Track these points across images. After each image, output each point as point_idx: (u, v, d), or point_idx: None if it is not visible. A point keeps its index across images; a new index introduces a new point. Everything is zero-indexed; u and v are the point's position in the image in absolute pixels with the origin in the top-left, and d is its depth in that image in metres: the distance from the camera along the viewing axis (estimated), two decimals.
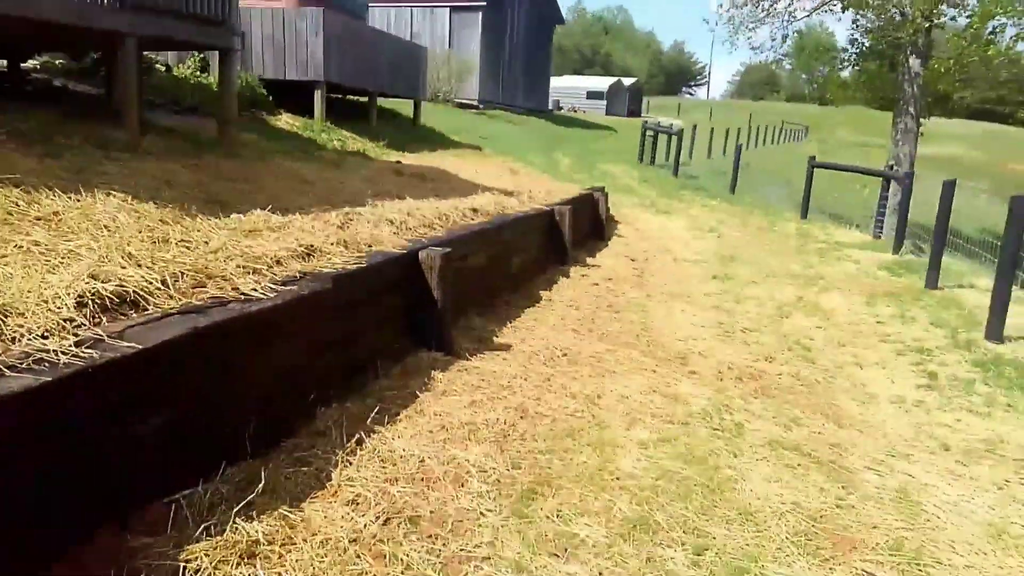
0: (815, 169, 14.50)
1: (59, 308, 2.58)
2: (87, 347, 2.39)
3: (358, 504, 2.78)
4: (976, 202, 13.22)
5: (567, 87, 54.15)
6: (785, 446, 3.74)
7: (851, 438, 4.01)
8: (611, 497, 3.05)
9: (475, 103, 27.13)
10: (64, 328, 2.50)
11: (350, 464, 3.05)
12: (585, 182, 14.13)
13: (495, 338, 5.11)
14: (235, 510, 2.56)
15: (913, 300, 7.41)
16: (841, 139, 48.92)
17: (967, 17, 15.40)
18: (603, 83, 56.74)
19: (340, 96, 14.44)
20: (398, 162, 9.88)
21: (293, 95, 11.56)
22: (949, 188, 8.21)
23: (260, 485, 2.72)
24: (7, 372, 2.16)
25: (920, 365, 5.43)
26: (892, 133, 16.94)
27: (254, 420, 3.07)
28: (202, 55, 11.20)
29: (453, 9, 27.87)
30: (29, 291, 2.63)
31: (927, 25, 15.37)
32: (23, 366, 2.22)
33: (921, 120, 16.82)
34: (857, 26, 17.94)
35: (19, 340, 2.38)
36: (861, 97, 18.19)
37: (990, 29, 14.69)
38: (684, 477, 3.28)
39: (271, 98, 11.14)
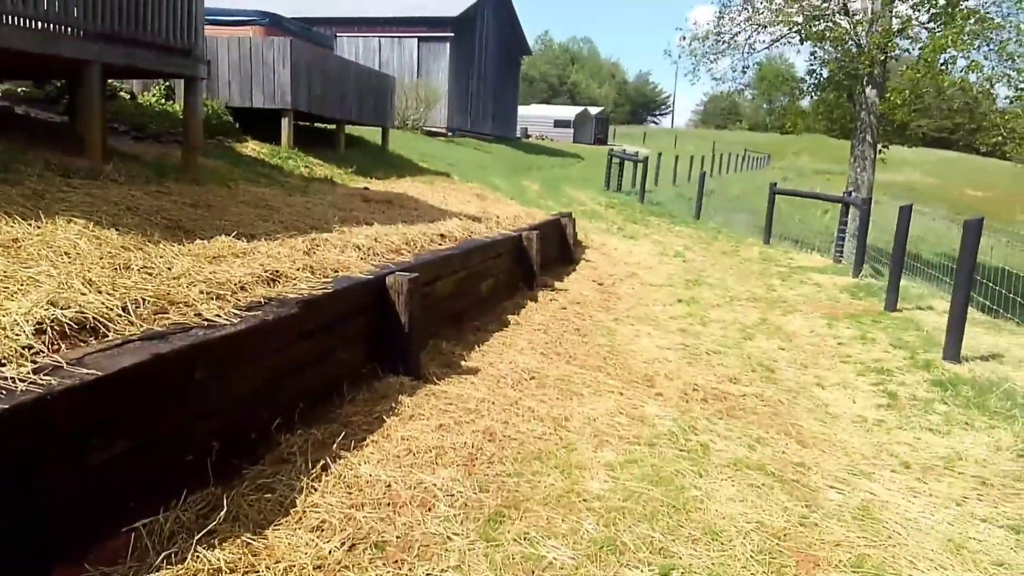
0: (776, 195, 14.82)
1: (17, 335, 2.55)
2: (45, 374, 2.36)
3: (323, 530, 2.75)
4: (933, 226, 13.60)
5: (535, 115, 54.85)
6: (749, 466, 3.79)
7: (814, 457, 4.07)
8: (578, 519, 3.06)
9: (444, 131, 27.30)
10: (22, 355, 2.46)
11: (315, 490, 3.02)
12: (553, 208, 14.26)
13: (463, 362, 5.11)
14: (196, 538, 2.52)
15: (873, 322, 7.58)
16: (802, 166, 50.07)
17: (919, 50, 15.97)
18: (570, 112, 57.57)
19: (308, 124, 14.44)
20: (366, 188, 9.89)
21: (260, 122, 11.54)
22: (906, 213, 8.44)
23: (222, 512, 2.69)
24: None
25: (880, 385, 5.54)
26: (851, 160, 17.42)
27: (216, 446, 3.04)
28: (167, 83, 11.15)
29: (421, 39, 28.15)
30: None
31: (882, 57, 15.90)
32: None
33: (880, 148, 17.33)
34: (815, 57, 18.50)
35: None
36: (820, 126, 18.66)
37: (942, 61, 15.24)
38: (650, 498, 3.30)
39: (238, 125, 11.11)
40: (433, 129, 26.15)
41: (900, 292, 8.29)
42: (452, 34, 28.04)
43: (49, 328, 2.66)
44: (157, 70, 7.36)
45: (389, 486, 3.14)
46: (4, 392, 2.22)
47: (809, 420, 4.72)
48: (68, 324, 2.72)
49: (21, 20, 5.80)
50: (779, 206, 15.21)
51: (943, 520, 3.39)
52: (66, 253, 3.52)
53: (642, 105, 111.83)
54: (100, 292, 3.04)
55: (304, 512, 2.84)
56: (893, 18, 15.91)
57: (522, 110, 45.85)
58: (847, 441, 4.41)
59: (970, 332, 6.40)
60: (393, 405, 4.04)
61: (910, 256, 9.46)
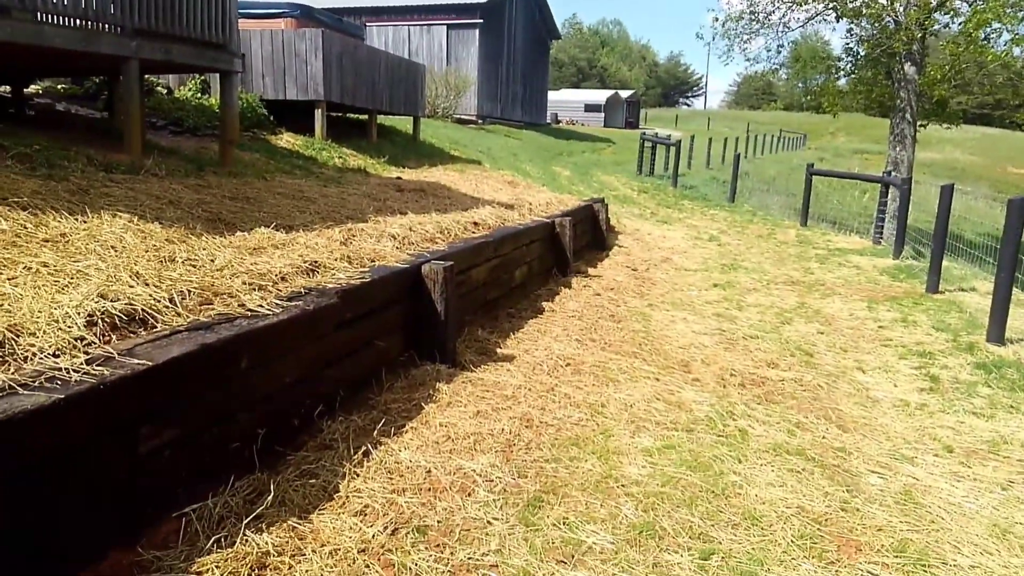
0: (813, 177, 14.57)
1: (69, 327, 2.63)
2: (98, 365, 2.43)
3: (366, 515, 2.80)
4: (975, 205, 13.27)
5: (565, 100, 54.48)
6: (789, 451, 3.76)
7: (855, 442, 4.03)
8: (617, 504, 3.08)
9: (474, 118, 27.31)
10: (75, 346, 2.54)
11: (357, 476, 3.08)
12: (584, 193, 14.21)
13: (498, 349, 5.14)
14: (244, 522, 2.59)
15: (914, 304, 7.44)
16: (839, 146, 49.10)
17: (959, 25, 15.51)
18: (600, 96, 57.06)
19: (340, 114, 14.56)
20: (399, 178, 9.95)
21: (294, 114, 11.66)
22: (947, 192, 8.25)
23: (269, 497, 2.76)
24: (20, 390, 2.20)
25: (922, 368, 5.45)
26: (889, 139, 17.02)
27: (262, 434, 3.11)
28: (203, 77, 11.32)
29: (450, 26, 28.12)
30: (39, 311, 2.68)
31: (920, 33, 15.48)
32: (35, 384, 2.26)
33: (919, 126, 16.91)
34: (852, 35, 18.08)
35: (31, 359, 2.43)
36: (858, 105, 18.24)
37: (984, 36, 14.79)
38: (689, 483, 3.31)
39: (272, 117, 11.24)
40: (463, 117, 26.18)
41: (942, 273, 8.12)
42: (481, 21, 27.96)
43: (100, 320, 2.74)
44: (193, 65, 7.47)
45: (429, 472, 3.19)
46: (59, 382, 2.30)
47: (849, 404, 4.67)
48: (118, 316, 2.80)
49: (61, 19, 5.94)
50: (816, 187, 14.96)
51: (988, 505, 3.35)
52: (113, 247, 3.62)
53: (674, 87, 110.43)
54: (147, 284, 3.13)
55: (347, 497, 2.91)
56: None
57: (552, 95, 45.62)
58: (888, 425, 4.35)
59: (1014, 313, 6.26)
60: (431, 392, 4.09)
61: (952, 236, 9.25)
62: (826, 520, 3.07)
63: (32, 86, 10.24)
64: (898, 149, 16.47)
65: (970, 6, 15.23)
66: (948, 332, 6.37)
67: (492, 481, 3.18)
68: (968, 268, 9.55)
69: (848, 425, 4.30)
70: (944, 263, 8.27)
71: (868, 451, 3.90)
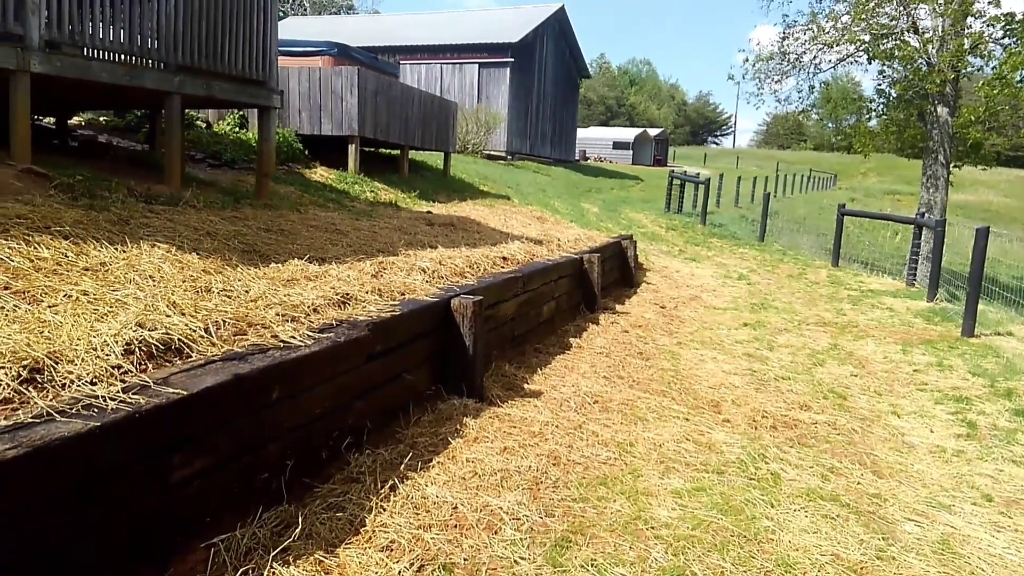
0: (845, 217, 14.45)
1: (107, 355, 2.68)
2: (134, 393, 2.47)
3: (392, 550, 2.78)
4: (1010, 248, 13.02)
5: (594, 138, 54.91)
6: (823, 496, 3.68)
7: (890, 488, 3.93)
8: (646, 547, 3.02)
9: (503, 154, 27.60)
10: (112, 375, 2.58)
11: (384, 510, 3.07)
12: (613, 230, 14.22)
13: (526, 385, 5.12)
14: (272, 555, 2.59)
15: (950, 348, 7.29)
16: (870, 187, 48.68)
17: (993, 68, 15.40)
18: (629, 133, 57.42)
19: (373, 149, 14.81)
20: (429, 212, 10.06)
21: (328, 149, 11.89)
22: (983, 235, 8.12)
23: (296, 530, 2.75)
24: (57, 417, 2.24)
25: (959, 414, 5.32)
26: (922, 181, 16.86)
27: (290, 465, 3.12)
28: (241, 112, 11.62)
29: (482, 65, 28.63)
30: (79, 339, 2.73)
31: (953, 75, 15.40)
32: (72, 411, 2.30)
33: (952, 167, 16.72)
34: (884, 76, 18.03)
35: (69, 386, 2.47)
36: (890, 146, 18.10)
37: (1020, 78, 14.65)
38: (720, 527, 3.24)
39: (307, 152, 11.47)
40: (493, 152, 26.48)
41: (977, 317, 7.96)
42: (512, 59, 28.45)
43: (137, 348, 2.79)
44: (234, 100, 7.68)
45: (456, 508, 3.17)
46: (96, 410, 2.34)
47: (884, 449, 4.56)
48: (155, 345, 2.84)
49: (108, 54, 6.15)
50: (847, 228, 14.82)
51: None
52: (151, 276, 3.69)
53: (702, 126, 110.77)
54: (184, 314, 3.18)
55: (374, 532, 2.89)
56: (965, 35, 15.39)
57: (581, 132, 46.04)
58: (925, 472, 4.24)
59: None
60: (458, 427, 4.08)
61: (987, 279, 9.09)
62: (861, 569, 2.99)
63: (75, 117, 10.60)
64: (931, 191, 16.29)
65: (1004, 49, 15.14)
66: (985, 377, 6.23)
67: (519, 519, 3.14)
68: (1004, 312, 9.36)
69: (883, 471, 4.20)
70: (979, 306, 8.11)
71: (904, 498, 3.80)
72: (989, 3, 15.34)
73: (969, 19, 15.48)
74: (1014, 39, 14.93)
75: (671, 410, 4.91)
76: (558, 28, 33.79)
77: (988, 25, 15.45)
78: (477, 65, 28.73)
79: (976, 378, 6.23)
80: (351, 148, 11.70)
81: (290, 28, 33.30)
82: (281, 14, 43.66)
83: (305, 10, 53.82)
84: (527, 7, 34.27)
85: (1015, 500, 3.90)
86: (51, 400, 2.35)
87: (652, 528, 3.18)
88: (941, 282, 10.42)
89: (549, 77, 33.27)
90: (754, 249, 16.31)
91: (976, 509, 3.74)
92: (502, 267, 6.42)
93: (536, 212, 13.51)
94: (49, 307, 3.00)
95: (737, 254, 15.35)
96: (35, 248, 3.66)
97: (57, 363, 2.56)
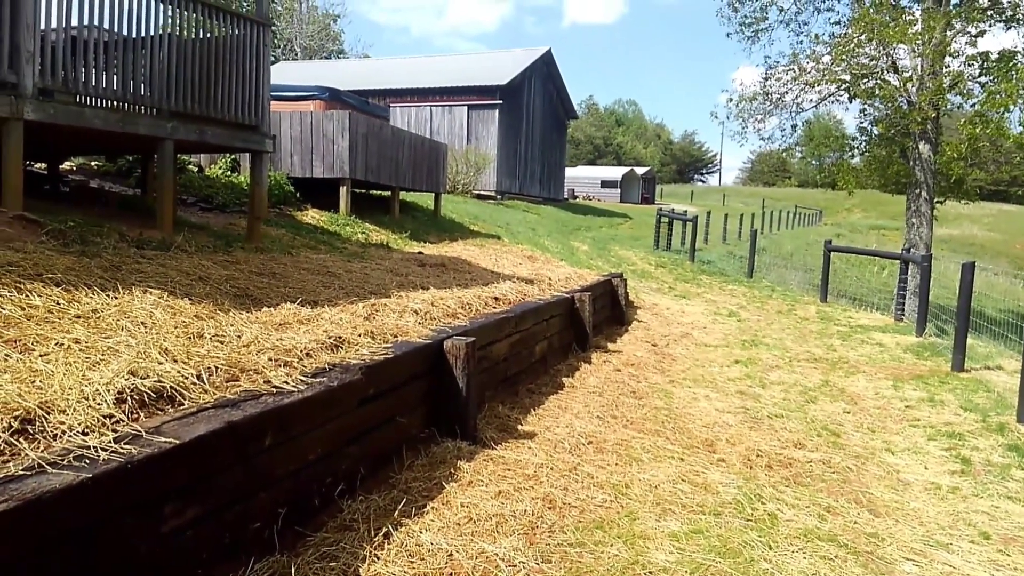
0: (832, 252, 14.60)
1: (99, 404, 2.65)
2: (126, 443, 2.44)
3: None
4: (996, 282, 13.16)
5: (582, 176, 55.52)
6: (820, 536, 3.65)
7: (887, 527, 3.91)
8: None
9: (493, 193, 27.84)
10: (104, 424, 2.56)
11: (378, 559, 3.02)
12: (602, 268, 14.29)
13: (520, 426, 5.10)
14: None
15: (940, 383, 7.32)
16: (855, 222, 49.27)
17: (972, 105, 15.76)
18: (617, 172, 58.09)
19: (364, 191, 14.91)
20: (420, 252, 10.10)
21: (319, 191, 11.97)
22: (969, 270, 8.22)
23: None
24: (48, 469, 2.21)
25: (953, 450, 5.32)
26: (907, 216, 17.10)
27: (282, 513, 3.08)
28: (233, 156, 11.70)
29: (471, 107, 29.04)
30: (70, 388, 2.71)
31: (934, 113, 15.73)
32: (64, 463, 2.27)
33: (935, 203, 16.98)
34: (865, 115, 18.41)
35: (60, 436, 2.44)
36: (873, 183, 18.40)
37: (1000, 115, 14.97)
38: (719, 571, 3.21)
39: (298, 194, 11.54)
40: (483, 192, 26.69)
41: (967, 351, 8.01)
42: (501, 101, 28.86)
43: (129, 397, 2.77)
44: (226, 145, 7.75)
45: (451, 555, 3.12)
46: (87, 461, 2.31)
47: (880, 487, 4.55)
48: (147, 393, 2.82)
49: (101, 101, 6.20)
50: (834, 263, 14.96)
51: None
52: (143, 323, 3.68)
53: (688, 164, 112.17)
54: (176, 361, 3.16)
55: None
56: (944, 75, 15.78)
57: (569, 171, 46.54)
58: (921, 510, 4.23)
59: None
60: (452, 471, 4.04)
61: (974, 313, 9.17)
62: None
63: (67, 162, 10.63)
64: (916, 226, 16.52)
65: (982, 87, 15.50)
66: (977, 412, 6.24)
67: (515, 566, 3.10)
68: (993, 346, 9.42)
69: (879, 509, 4.18)
70: (968, 340, 8.17)
71: (901, 537, 3.78)
72: (967, 43, 15.76)
73: (947, 58, 15.89)
74: (991, 77, 15.31)
75: (666, 450, 4.89)
76: (545, 71, 34.38)
77: (966, 64, 15.86)
78: (466, 107, 29.13)
79: (968, 413, 6.25)
80: (342, 190, 11.77)
81: (282, 72, 33.76)
82: (273, 59, 44.19)
83: (296, 55, 54.56)
84: (515, 51, 34.90)
85: (1013, 537, 3.89)
86: (42, 451, 2.32)
87: (650, 573, 3.15)
88: (929, 316, 10.50)
89: (537, 118, 33.74)
90: (743, 286, 16.41)
91: (974, 547, 3.73)
92: (494, 307, 6.43)
93: (526, 251, 13.58)
94: (41, 356, 2.98)
95: (726, 291, 15.44)
96: (27, 296, 3.65)
97: (49, 413, 2.53)
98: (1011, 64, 14.75)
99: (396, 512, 3.44)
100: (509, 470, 4.19)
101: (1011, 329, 9.56)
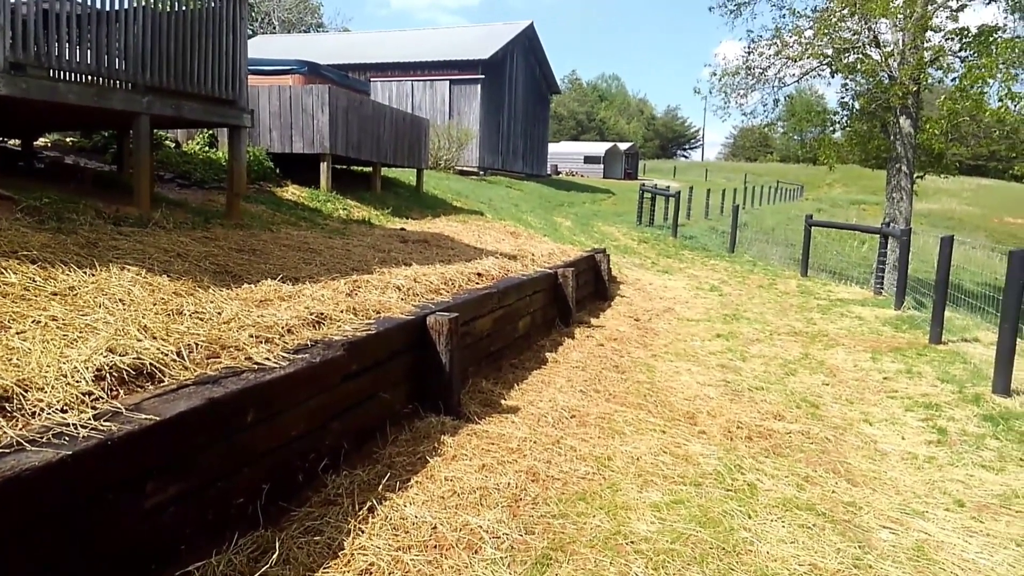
0: (812, 227, 14.69)
1: (78, 382, 2.63)
2: (105, 420, 2.43)
3: (371, 573, 2.76)
4: (974, 255, 13.34)
5: (565, 152, 55.29)
6: (799, 506, 3.72)
7: (864, 496, 3.98)
8: (626, 562, 3.03)
9: (476, 169, 27.68)
10: (83, 401, 2.54)
11: (362, 532, 3.04)
12: (586, 244, 14.30)
13: (503, 401, 5.12)
14: None
15: (918, 355, 7.42)
16: (836, 197, 49.57)
17: (953, 80, 15.83)
18: (600, 148, 57.91)
19: (345, 167, 14.76)
20: (402, 229, 10.04)
21: (299, 167, 11.83)
22: (948, 244, 8.31)
23: (273, 555, 2.72)
24: (28, 447, 2.20)
25: (929, 421, 5.42)
26: (887, 191, 17.22)
27: (266, 489, 3.08)
28: (211, 131, 11.52)
29: (453, 82, 28.75)
30: (48, 365, 2.68)
31: (915, 88, 15.79)
32: (43, 440, 2.25)
33: (916, 178, 17.11)
34: (847, 90, 18.43)
35: (39, 414, 2.43)
36: (855, 157, 18.48)
37: (979, 90, 15.04)
38: (699, 540, 3.26)
39: (278, 170, 11.40)
40: (465, 168, 26.54)
41: (944, 324, 8.12)
42: (483, 76, 28.60)
43: (108, 374, 2.75)
44: (203, 120, 7.62)
45: (435, 528, 3.15)
46: (67, 438, 2.29)
47: (857, 457, 4.63)
48: (126, 370, 2.80)
49: (75, 75, 6.07)
50: (815, 238, 15.07)
51: (1003, 561, 3.29)
52: (121, 300, 3.64)
53: (671, 139, 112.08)
54: (155, 338, 3.14)
55: (352, 555, 2.86)
56: (925, 49, 15.81)
57: (552, 147, 46.35)
58: (898, 479, 4.31)
59: (1020, 364, 6.25)
60: (436, 445, 4.06)
61: (952, 286, 9.28)
62: None
63: (41, 139, 10.42)
64: (896, 201, 16.64)
65: (962, 62, 15.57)
66: (953, 383, 6.35)
67: (499, 538, 3.13)
68: (970, 318, 9.56)
69: (857, 479, 4.26)
70: (946, 313, 8.28)
71: (878, 506, 3.85)
72: (947, 18, 15.79)
73: (928, 33, 15.92)
74: (971, 52, 15.37)
75: (648, 423, 4.93)
76: (528, 44, 34.08)
77: (947, 39, 15.90)
78: (448, 82, 28.84)
79: (945, 384, 6.35)
80: (323, 166, 11.65)
81: (260, 46, 33.20)
82: (250, 32, 43.47)
83: (274, 28, 53.64)
84: (497, 24, 34.55)
85: (986, 505, 3.97)
86: (21, 429, 2.31)
87: (632, 543, 3.19)
88: (908, 290, 10.63)
89: (520, 93, 33.50)
90: (725, 260, 16.50)
91: (949, 515, 3.81)
92: (477, 283, 6.42)
93: (510, 227, 13.54)
94: (17, 333, 2.94)
95: (708, 266, 15.52)
96: (1, 273, 3.59)
97: (27, 391, 2.51)
98: (991, 39, 14.80)
99: (380, 486, 3.46)
100: (493, 444, 4.21)
101: (988, 302, 9.69)
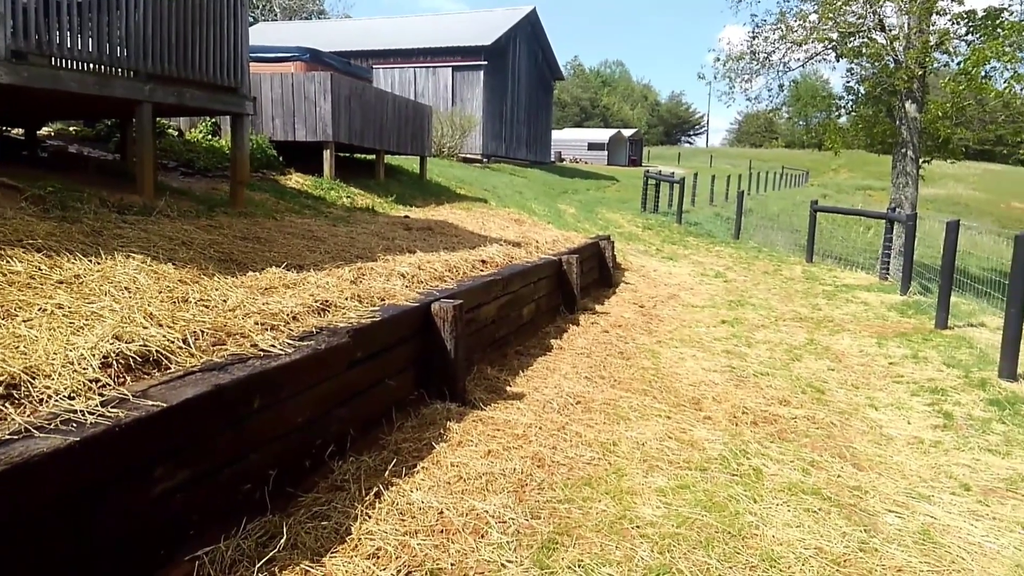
0: (818, 213, 14.64)
1: (84, 369, 2.64)
2: (112, 407, 2.43)
3: (379, 558, 2.77)
4: (980, 240, 13.28)
5: (569, 139, 55.10)
6: (805, 490, 3.72)
7: (870, 480, 3.98)
8: (632, 546, 3.04)
9: (479, 157, 27.60)
10: (90, 388, 2.55)
11: (369, 517, 3.05)
12: (590, 231, 14.27)
13: (508, 387, 5.13)
14: (257, 566, 2.57)
15: (924, 340, 7.41)
16: (842, 183, 49.37)
17: (958, 64, 15.71)
18: (604, 134, 57.69)
19: (348, 154, 14.74)
20: (406, 216, 10.03)
21: (302, 155, 11.81)
22: (954, 229, 8.27)
23: (281, 540, 2.73)
24: (36, 433, 2.20)
25: (935, 405, 5.41)
26: (892, 177, 17.13)
27: (273, 475, 3.09)
28: (213, 119, 11.50)
29: (455, 68, 28.62)
30: (55, 353, 2.69)
31: (920, 71, 15.67)
32: (51, 427, 2.26)
33: (921, 163, 17.01)
34: (852, 74, 18.32)
35: (46, 401, 2.43)
36: (860, 142, 18.38)
37: (984, 73, 14.95)
38: (705, 524, 3.27)
39: (281, 158, 11.38)
40: (469, 155, 26.47)
41: (950, 309, 8.10)
42: (486, 62, 28.46)
43: (115, 361, 2.75)
44: (205, 108, 7.60)
45: (441, 513, 3.16)
46: (75, 425, 2.30)
47: (863, 442, 4.63)
48: (132, 357, 2.81)
49: (77, 63, 6.06)
50: (820, 224, 15.00)
51: (1009, 544, 3.29)
52: (126, 288, 3.64)
53: (676, 126, 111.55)
54: (161, 325, 3.14)
55: (359, 540, 2.87)
56: (931, 32, 15.69)
57: (556, 134, 46.17)
58: (903, 463, 4.31)
59: None
60: (441, 431, 4.07)
61: (958, 271, 9.25)
62: (845, 561, 3.03)
63: (45, 128, 10.43)
64: (902, 186, 16.57)
65: (968, 45, 15.44)
66: (959, 368, 6.34)
67: (505, 522, 3.14)
68: (976, 303, 9.53)
69: (863, 463, 4.26)
70: (952, 298, 8.25)
71: (884, 490, 3.86)
72: (953, 1, 15.65)
73: (934, 16, 15.79)
74: (977, 35, 15.25)
75: (653, 409, 4.94)
76: (530, 30, 33.87)
77: (952, 22, 15.77)
78: (451, 68, 28.71)
79: (951, 369, 6.34)
80: (326, 154, 11.63)
81: (261, 34, 33.08)
82: (252, 20, 43.35)
83: (276, 15, 53.44)
84: (499, 10, 34.32)
85: (992, 489, 3.97)
86: (29, 416, 2.31)
87: (637, 527, 3.20)
88: (913, 275, 10.59)
89: (523, 79, 33.33)
90: (730, 247, 16.46)
91: (955, 499, 3.81)
92: (481, 270, 6.42)
93: (514, 214, 13.52)
94: (24, 322, 2.95)
95: (713, 252, 15.49)
96: (7, 262, 3.60)
97: (34, 378, 2.52)
98: (997, 22, 14.67)
99: (387, 472, 3.47)
100: (498, 430, 4.22)
101: (994, 287, 9.65)
